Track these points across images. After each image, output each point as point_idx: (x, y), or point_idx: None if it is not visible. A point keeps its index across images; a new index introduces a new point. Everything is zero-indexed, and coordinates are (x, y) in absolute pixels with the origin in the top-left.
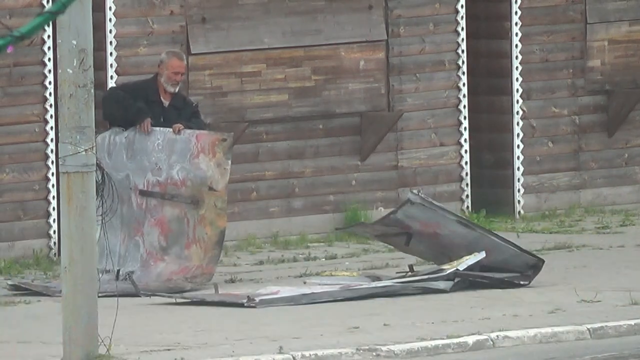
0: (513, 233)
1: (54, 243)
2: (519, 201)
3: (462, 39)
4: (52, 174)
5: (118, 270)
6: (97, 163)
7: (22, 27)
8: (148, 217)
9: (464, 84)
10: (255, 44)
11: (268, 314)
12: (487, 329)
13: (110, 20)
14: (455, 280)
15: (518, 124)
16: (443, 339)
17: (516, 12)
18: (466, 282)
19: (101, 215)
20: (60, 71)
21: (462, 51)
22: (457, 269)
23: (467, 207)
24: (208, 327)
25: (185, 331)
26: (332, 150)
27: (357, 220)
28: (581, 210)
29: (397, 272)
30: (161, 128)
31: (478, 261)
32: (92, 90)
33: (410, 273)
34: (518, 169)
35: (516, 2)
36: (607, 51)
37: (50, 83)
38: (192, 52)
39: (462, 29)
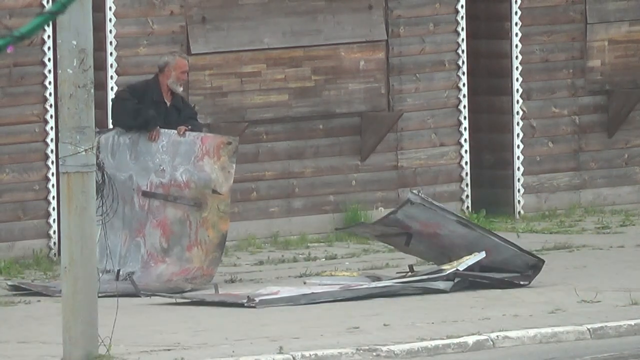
0: (513, 233)
1: (54, 243)
2: (519, 201)
3: (462, 39)
4: (52, 174)
5: (118, 271)
6: (97, 163)
7: (22, 27)
8: (150, 218)
9: (464, 84)
10: (255, 44)
11: (268, 314)
12: (487, 329)
13: (110, 20)
14: (455, 281)
15: (518, 124)
16: (443, 339)
17: (516, 12)
18: (466, 282)
19: (101, 215)
20: (60, 71)
21: (462, 51)
22: (457, 269)
23: (467, 207)
24: (208, 327)
25: (185, 331)
26: (332, 151)
27: (357, 221)
28: (581, 211)
29: (397, 272)
30: (166, 130)
31: (478, 261)
32: (92, 91)
33: (410, 273)
34: (518, 169)
35: (516, 2)
36: (607, 51)
37: (50, 83)
38: (192, 52)
39: (462, 29)
